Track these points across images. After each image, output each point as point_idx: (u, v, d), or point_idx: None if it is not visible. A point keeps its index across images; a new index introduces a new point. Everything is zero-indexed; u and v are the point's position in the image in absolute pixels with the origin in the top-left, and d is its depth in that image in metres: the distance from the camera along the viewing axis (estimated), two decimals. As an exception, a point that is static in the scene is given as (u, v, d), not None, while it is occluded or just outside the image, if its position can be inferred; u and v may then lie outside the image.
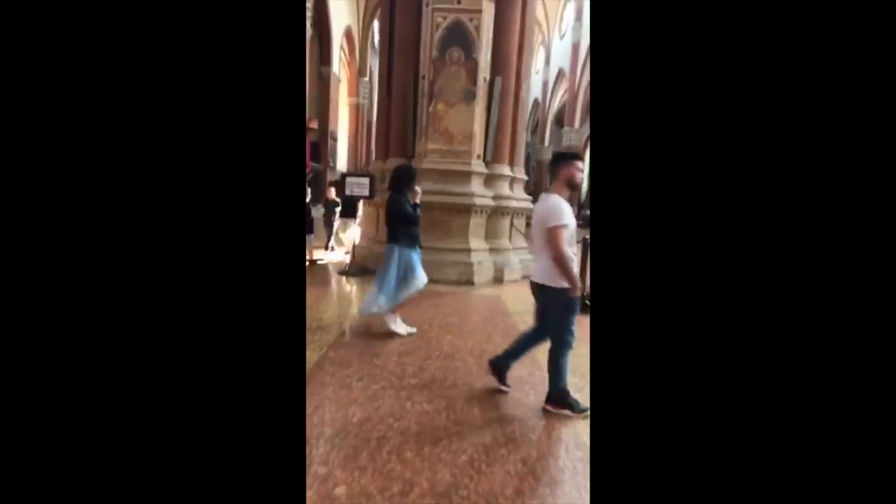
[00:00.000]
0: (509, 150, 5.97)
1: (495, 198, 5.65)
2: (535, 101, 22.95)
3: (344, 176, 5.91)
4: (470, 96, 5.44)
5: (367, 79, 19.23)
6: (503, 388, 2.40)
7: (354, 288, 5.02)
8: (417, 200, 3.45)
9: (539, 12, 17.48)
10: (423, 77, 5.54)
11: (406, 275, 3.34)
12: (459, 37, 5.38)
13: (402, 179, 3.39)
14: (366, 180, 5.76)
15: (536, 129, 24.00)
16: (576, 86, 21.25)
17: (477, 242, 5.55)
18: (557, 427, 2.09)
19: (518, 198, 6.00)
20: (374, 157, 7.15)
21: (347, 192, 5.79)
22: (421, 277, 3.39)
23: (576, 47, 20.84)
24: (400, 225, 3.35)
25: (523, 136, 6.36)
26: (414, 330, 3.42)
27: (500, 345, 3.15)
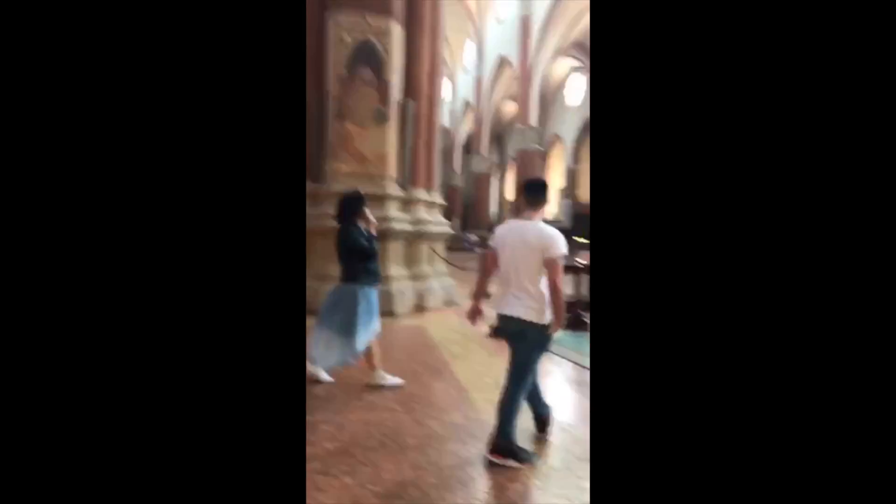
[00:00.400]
0: (425, 173, 5.74)
1: (414, 222, 5.33)
2: (444, 128, 23.55)
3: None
4: (382, 117, 5.14)
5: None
6: (523, 465, 1.83)
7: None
8: (373, 231, 2.92)
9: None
10: (331, 94, 5.12)
11: (366, 318, 2.77)
12: (369, 57, 5.08)
13: (352, 208, 2.85)
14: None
15: (445, 156, 24.56)
16: (481, 116, 22.22)
17: (396, 269, 5.16)
18: (507, 485, 1.75)
19: (437, 222, 5.76)
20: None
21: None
22: (378, 322, 2.88)
23: (479, 81, 21.90)
24: (357, 260, 2.81)
25: (437, 160, 6.18)
26: (400, 381, 2.84)
27: (430, 386, 2.80)
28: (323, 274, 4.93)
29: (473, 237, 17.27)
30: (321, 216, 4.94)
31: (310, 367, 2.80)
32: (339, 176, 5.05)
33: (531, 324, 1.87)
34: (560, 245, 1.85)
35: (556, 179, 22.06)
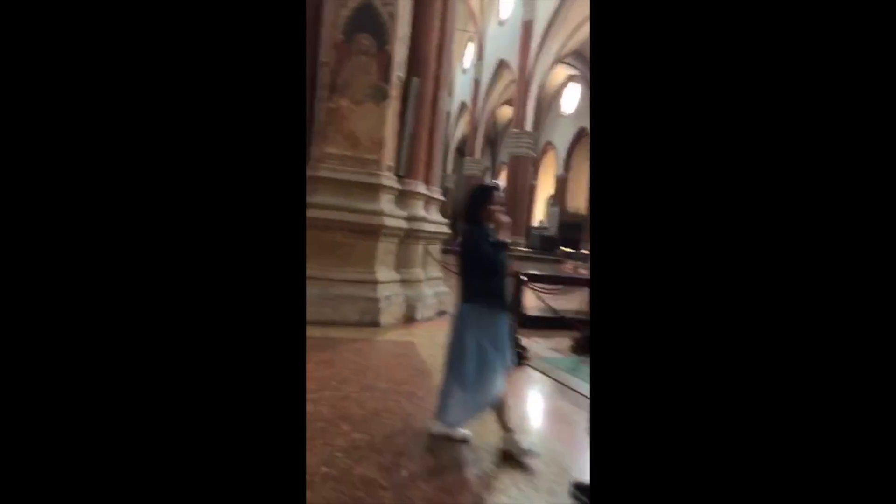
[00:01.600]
0: (425, 164, 4.86)
1: (409, 219, 4.45)
2: (439, 128, 22.66)
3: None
4: (381, 95, 4.24)
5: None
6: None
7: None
8: (503, 236, 1.91)
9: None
10: (325, 64, 4.20)
11: (485, 357, 1.84)
12: (370, 22, 4.18)
13: (481, 202, 1.91)
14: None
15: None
16: (476, 119, 21.39)
17: (385, 273, 4.27)
18: None
19: (434, 220, 4.89)
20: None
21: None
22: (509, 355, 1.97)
23: (477, 83, 21.06)
24: (481, 276, 1.87)
25: (440, 150, 5.31)
26: (469, 433, 1.99)
27: (424, 434, 1.86)
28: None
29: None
30: (307, 205, 4.02)
31: (437, 427, 1.96)
32: (327, 159, 4.14)
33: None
34: None
35: (546, 187, 21.42)
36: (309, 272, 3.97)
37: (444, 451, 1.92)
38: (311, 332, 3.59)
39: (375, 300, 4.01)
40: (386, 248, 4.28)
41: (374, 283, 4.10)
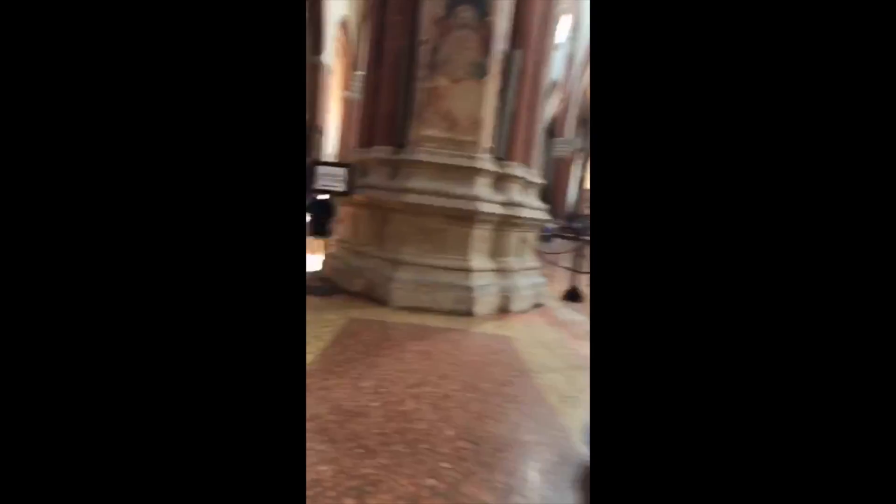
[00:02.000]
0: (524, 145, 4.49)
1: (505, 204, 4.15)
2: (528, 109, 21.72)
3: (315, 165, 4.34)
4: (480, 71, 3.94)
5: (361, 73, 17.57)
6: None
7: (330, 317, 3.45)
8: None
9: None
10: (424, 42, 4.01)
11: None
12: (473, -8, 3.87)
13: None
14: (342, 171, 4.21)
15: (527, 137, 22.76)
16: (569, 97, 20.06)
17: (480, 261, 4.05)
18: None
19: (532, 206, 4.52)
20: (354, 146, 5.57)
21: (318, 184, 4.23)
22: None
23: (571, 59, 19.66)
24: None
25: (539, 130, 4.88)
26: None
27: (537, 454, 1.50)
28: (396, 259, 3.95)
29: (552, 225, 15.70)
30: (402, 190, 3.94)
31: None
32: (424, 142, 3.98)
33: None
34: None
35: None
36: (405, 257, 3.90)
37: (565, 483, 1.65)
38: (408, 318, 3.55)
39: (469, 289, 3.82)
40: (481, 235, 4.05)
41: (468, 270, 3.90)
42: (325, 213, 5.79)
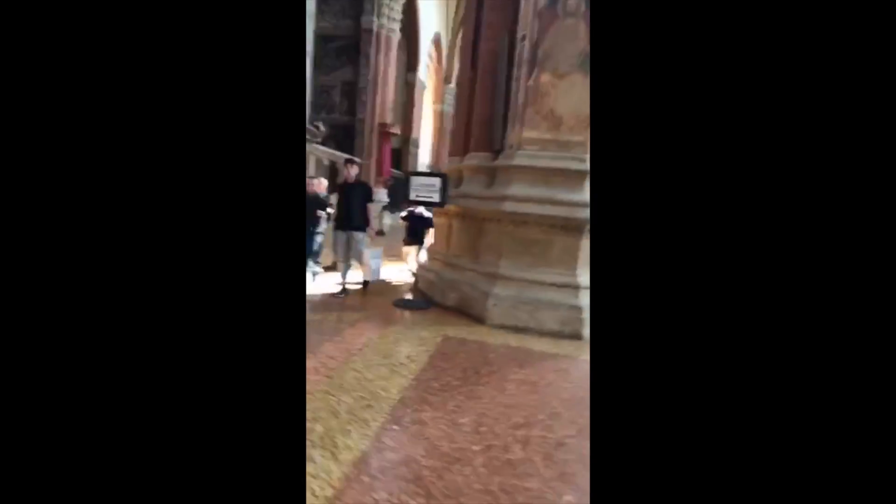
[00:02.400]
0: (639, 143, 3.88)
1: (619, 211, 3.59)
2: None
3: (409, 176, 4.25)
4: (587, 62, 3.47)
5: (452, 85, 17.82)
6: None
7: (420, 335, 3.27)
8: None
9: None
10: (523, 38, 3.68)
11: None
12: (579, -23, 3.44)
13: None
14: (436, 181, 4.05)
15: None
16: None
17: (587, 275, 3.54)
18: None
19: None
20: (448, 154, 5.42)
21: (412, 196, 4.12)
22: None
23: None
24: None
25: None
26: None
27: None
28: (493, 272, 3.63)
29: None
30: (499, 198, 3.63)
31: None
32: (525, 145, 3.62)
33: None
34: None
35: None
36: (502, 271, 3.56)
37: None
38: (507, 339, 3.18)
39: (578, 309, 3.34)
40: (586, 248, 3.55)
41: (576, 287, 3.43)
42: (420, 223, 5.76)
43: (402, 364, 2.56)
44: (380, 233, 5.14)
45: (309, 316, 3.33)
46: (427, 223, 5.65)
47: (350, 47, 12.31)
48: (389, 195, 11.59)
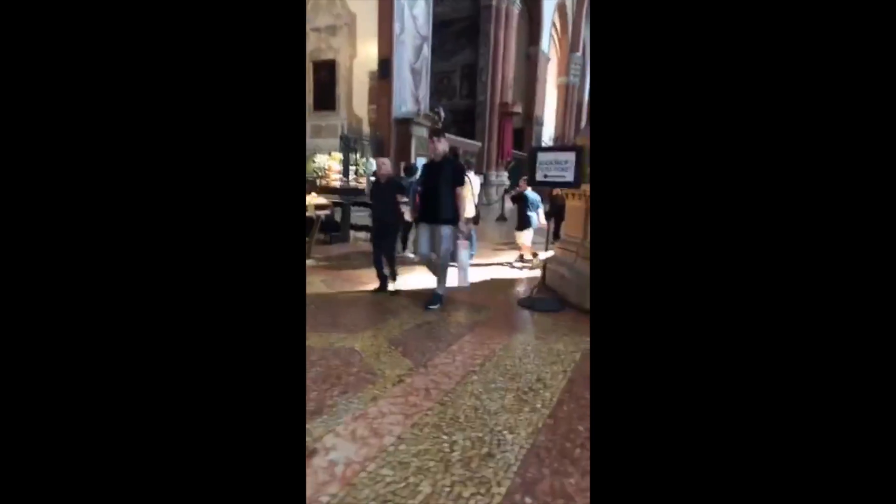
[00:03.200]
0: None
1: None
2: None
3: (534, 152, 3.56)
4: None
5: (579, 54, 16.05)
6: None
7: (553, 342, 2.66)
8: None
9: None
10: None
11: None
12: None
13: None
14: (569, 157, 3.29)
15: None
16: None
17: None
18: None
19: None
20: (583, 126, 4.53)
21: (539, 175, 3.44)
22: None
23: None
24: None
25: None
26: None
27: None
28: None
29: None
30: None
31: None
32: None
33: None
34: None
35: None
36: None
37: None
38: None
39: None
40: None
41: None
42: (528, 205, 5.01)
43: (532, 390, 1.99)
44: (474, 220, 3.85)
45: (418, 319, 2.98)
46: (533, 204, 4.88)
47: (469, 28, 11.85)
48: (510, 177, 10.93)
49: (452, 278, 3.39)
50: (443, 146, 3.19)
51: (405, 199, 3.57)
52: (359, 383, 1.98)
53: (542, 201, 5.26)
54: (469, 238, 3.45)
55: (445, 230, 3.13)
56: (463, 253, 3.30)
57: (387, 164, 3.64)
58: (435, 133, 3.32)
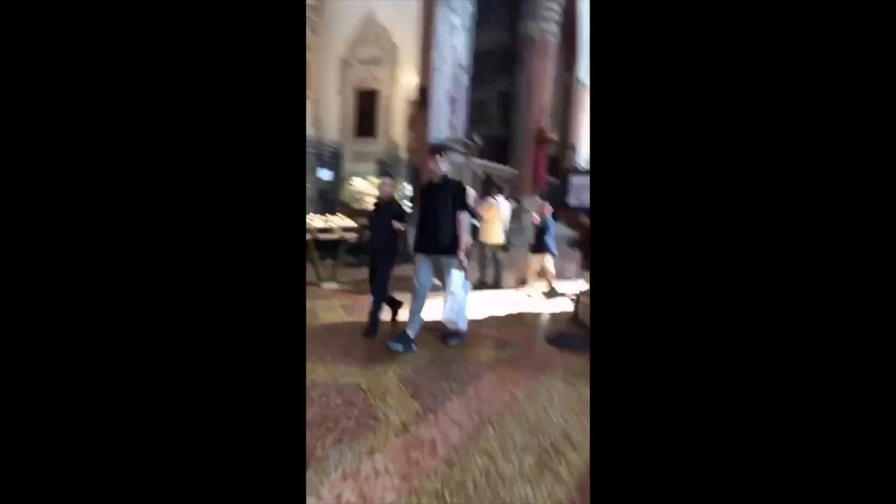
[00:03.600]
0: None
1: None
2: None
3: (566, 174, 3.30)
4: None
5: (618, 81, 15.80)
6: None
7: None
8: None
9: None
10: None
11: None
12: None
13: None
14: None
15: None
16: None
17: None
18: None
19: None
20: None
21: (572, 200, 3.17)
22: None
23: None
24: None
25: None
26: None
27: None
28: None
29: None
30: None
31: None
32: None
33: None
34: None
35: None
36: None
37: None
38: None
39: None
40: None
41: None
42: (542, 227, 4.48)
43: (557, 451, 1.67)
44: (503, 247, 3.24)
45: (433, 354, 2.72)
46: (550, 227, 4.34)
47: (508, 58, 11.93)
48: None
49: (436, 310, 2.86)
50: (444, 165, 2.69)
51: (400, 226, 2.98)
52: (357, 430, 1.75)
53: (573, 228, 4.86)
54: (465, 268, 2.73)
55: (454, 272, 2.59)
56: (457, 278, 2.66)
57: (388, 185, 3.20)
58: (435, 149, 2.76)
